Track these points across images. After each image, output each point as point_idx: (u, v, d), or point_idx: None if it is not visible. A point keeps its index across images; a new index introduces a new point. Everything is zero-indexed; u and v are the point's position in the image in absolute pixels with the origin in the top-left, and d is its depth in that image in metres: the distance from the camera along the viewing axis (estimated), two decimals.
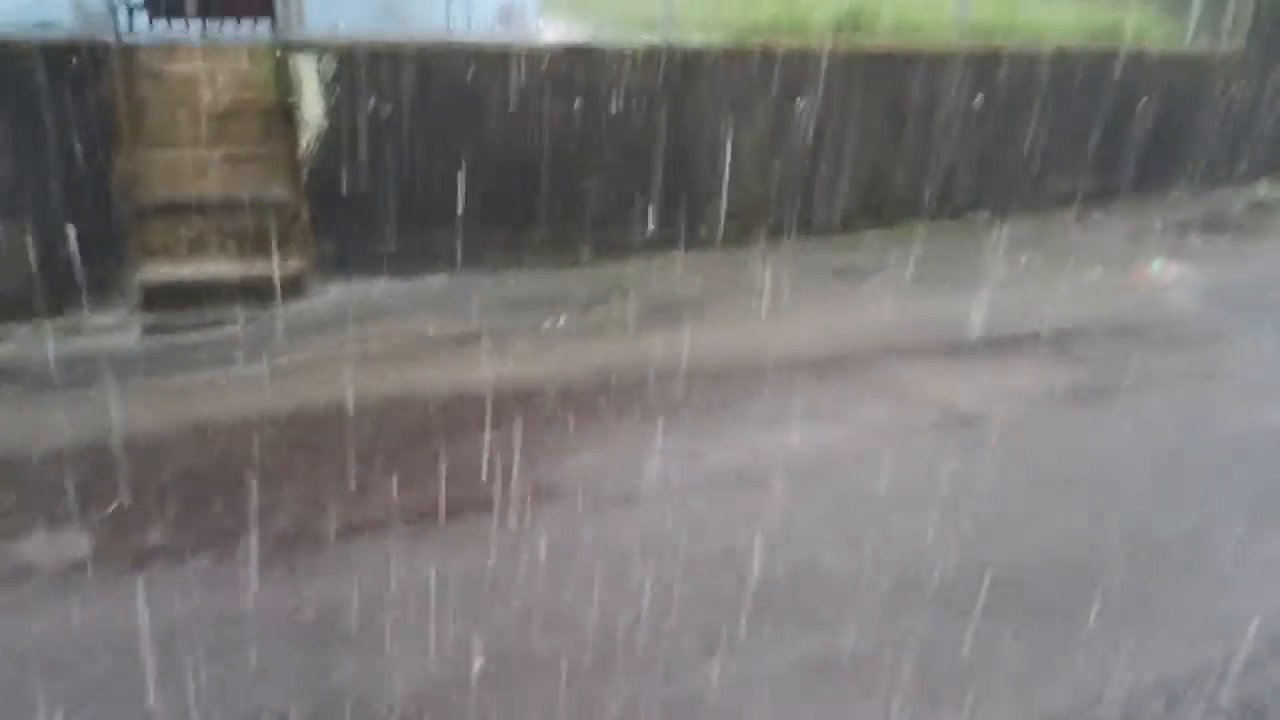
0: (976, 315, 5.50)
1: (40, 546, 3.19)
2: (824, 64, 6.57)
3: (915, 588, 2.97)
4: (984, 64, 7.17)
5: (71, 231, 5.24)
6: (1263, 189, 8.47)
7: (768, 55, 6.43)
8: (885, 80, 6.87)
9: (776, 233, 6.85)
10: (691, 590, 2.95)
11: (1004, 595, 2.94)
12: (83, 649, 2.66)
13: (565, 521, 3.37)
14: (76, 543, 3.21)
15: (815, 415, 4.23)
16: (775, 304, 5.70)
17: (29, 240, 5.15)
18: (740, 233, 6.73)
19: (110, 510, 3.36)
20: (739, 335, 5.22)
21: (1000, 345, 5.09)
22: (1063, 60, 7.40)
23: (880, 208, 7.18)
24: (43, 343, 4.96)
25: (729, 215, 6.68)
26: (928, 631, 2.77)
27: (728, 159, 6.57)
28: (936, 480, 3.58)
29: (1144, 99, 7.87)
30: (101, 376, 4.41)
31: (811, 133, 6.73)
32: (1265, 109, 8.54)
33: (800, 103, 6.60)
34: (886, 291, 5.95)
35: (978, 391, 4.49)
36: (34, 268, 5.17)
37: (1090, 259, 6.58)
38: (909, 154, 7.16)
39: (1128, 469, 3.80)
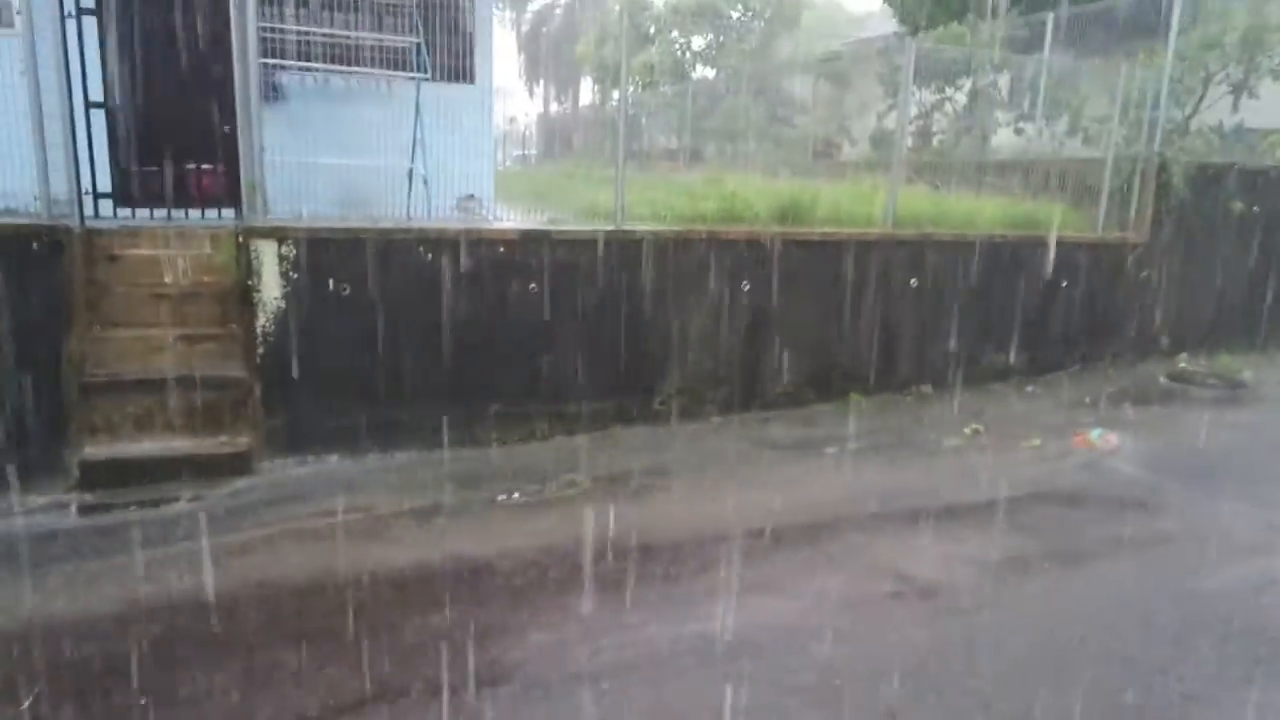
0: (926, 485, 5.59)
1: None
2: (767, 249, 6.97)
3: None
4: (916, 249, 7.67)
5: (15, 410, 5.15)
6: (1183, 361, 8.95)
7: (714, 240, 6.81)
8: (825, 264, 7.28)
9: (727, 406, 7.00)
10: None
11: None
12: None
13: (515, 704, 3.21)
14: None
15: (770, 588, 4.17)
16: (727, 476, 5.74)
17: None
18: (692, 406, 6.86)
19: (26, 705, 3.12)
20: (692, 507, 5.20)
21: (951, 514, 5.15)
22: (989, 246, 7.95)
23: (826, 381, 7.41)
24: None
25: (680, 390, 6.84)
26: None
27: (678, 336, 6.80)
28: (897, 652, 3.52)
29: (1065, 281, 8.43)
30: (30, 558, 4.20)
31: (758, 311, 7.04)
32: (1174, 290, 9.18)
33: (745, 284, 6.93)
34: (837, 462, 6.04)
35: (934, 561, 4.50)
36: None
37: (1029, 428, 6.80)
38: (851, 331, 7.49)
39: (1089, 635, 3.78)
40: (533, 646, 3.61)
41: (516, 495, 5.30)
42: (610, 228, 6.54)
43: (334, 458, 5.71)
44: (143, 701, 3.17)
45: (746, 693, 3.24)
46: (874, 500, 5.27)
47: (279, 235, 5.61)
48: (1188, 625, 3.88)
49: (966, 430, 6.76)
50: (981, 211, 8.37)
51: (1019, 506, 5.27)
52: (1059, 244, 8.25)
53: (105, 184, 6.65)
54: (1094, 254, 8.67)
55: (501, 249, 6.16)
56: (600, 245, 6.43)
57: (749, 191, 7.69)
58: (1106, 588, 4.27)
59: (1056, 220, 8.32)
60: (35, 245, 5.20)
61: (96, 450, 5.28)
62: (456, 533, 4.54)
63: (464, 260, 6.02)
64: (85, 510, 4.97)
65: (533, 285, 6.24)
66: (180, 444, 5.41)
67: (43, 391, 5.24)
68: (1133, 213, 8.94)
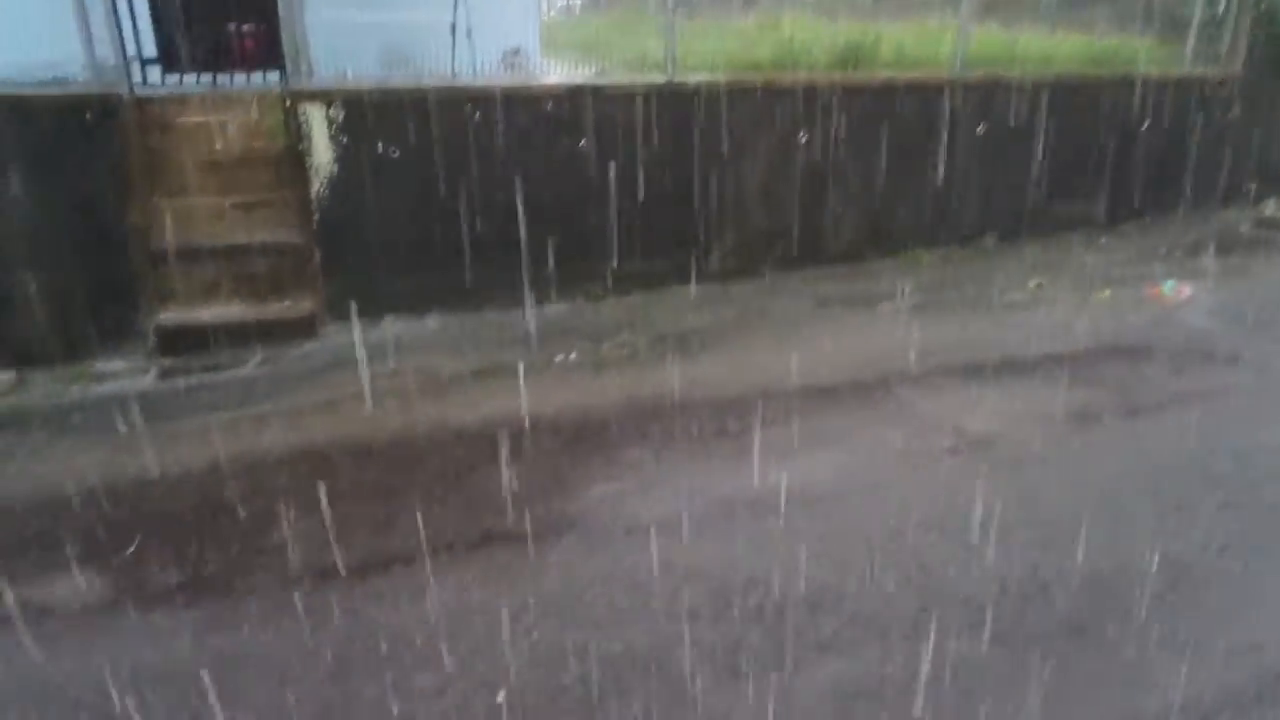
0: (988, 339, 5.50)
1: (61, 588, 3.19)
2: (826, 97, 6.65)
3: (939, 611, 2.93)
4: (986, 93, 7.24)
5: (87, 279, 5.32)
6: (1270, 208, 8.47)
7: (769, 90, 6.52)
8: (888, 111, 6.94)
9: (784, 263, 6.88)
10: (713, 617, 2.92)
11: (1029, 618, 2.90)
12: (98, 687, 2.64)
13: (584, 552, 3.35)
14: (96, 584, 3.21)
15: (828, 443, 4.21)
16: (783, 333, 5.71)
17: (47, 289, 5.22)
18: (748, 264, 6.77)
19: (130, 551, 3.37)
20: (749, 365, 5.22)
21: (1013, 369, 5.07)
22: (1064, 87, 7.47)
23: (886, 236, 7.21)
24: (62, 389, 5.01)
25: (736, 247, 6.73)
26: (954, 655, 2.73)
27: (733, 192, 6.63)
28: (954, 505, 3.55)
29: (1147, 122, 7.92)
30: (120, 420, 4.44)
31: (815, 164, 6.80)
32: (1266, 130, 8.57)
33: (803, 135, 6.67)
34: (896, 318, 5.96)
35: (992, 416, 4.47)
36: (52, 315, 5.24)
37: (1100, 281, 6.57)
38: (914, 183, 7.21)
39: (1149, 490, 3.76)
40: (592, 499, 3.74)
41: (573, 355, 5.37)
42: (661, 80, 6.29)
43: (392, 321, 5.82)
44: (233, 550, 3.39)
45: (796, 544, 3.33)
46: (932, 356, 5.21)
47: (325, 98, 5.54)
48: (1250, 479, 3.83)
49: (1032, 284, 6.57)
50: (1058, 50, 7.83)
51: (1084, 360, 5.16)
52: (1141, 82, 7.71)
53: (151, 49, 6.57)
54: (1179, 92, 8.08)
55: (549, 104, 5.99)
56: (651, 98, 6.21)
57: (807, 36, 7.28)
58: (1170, 441, 4.21)
59: (1139, 56, 7.75)
60: (88, 114, 5.22)
61: (169, 317, 5.46)
62: (515, 392, 4.64)
63: (512, 117, 5.89)
64: (164, 374, 5.20)
65: (582, 141, 6.09)
66: (245, 310, 5.56)
67: (113, 261, 5.38)
68: (1224, 46, 8.26)
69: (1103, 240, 7.84)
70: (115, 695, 2.61)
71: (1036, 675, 2.64)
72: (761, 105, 6.52)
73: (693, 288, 6.47)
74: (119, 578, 3.24)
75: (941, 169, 7.25)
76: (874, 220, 7.14)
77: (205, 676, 2.65)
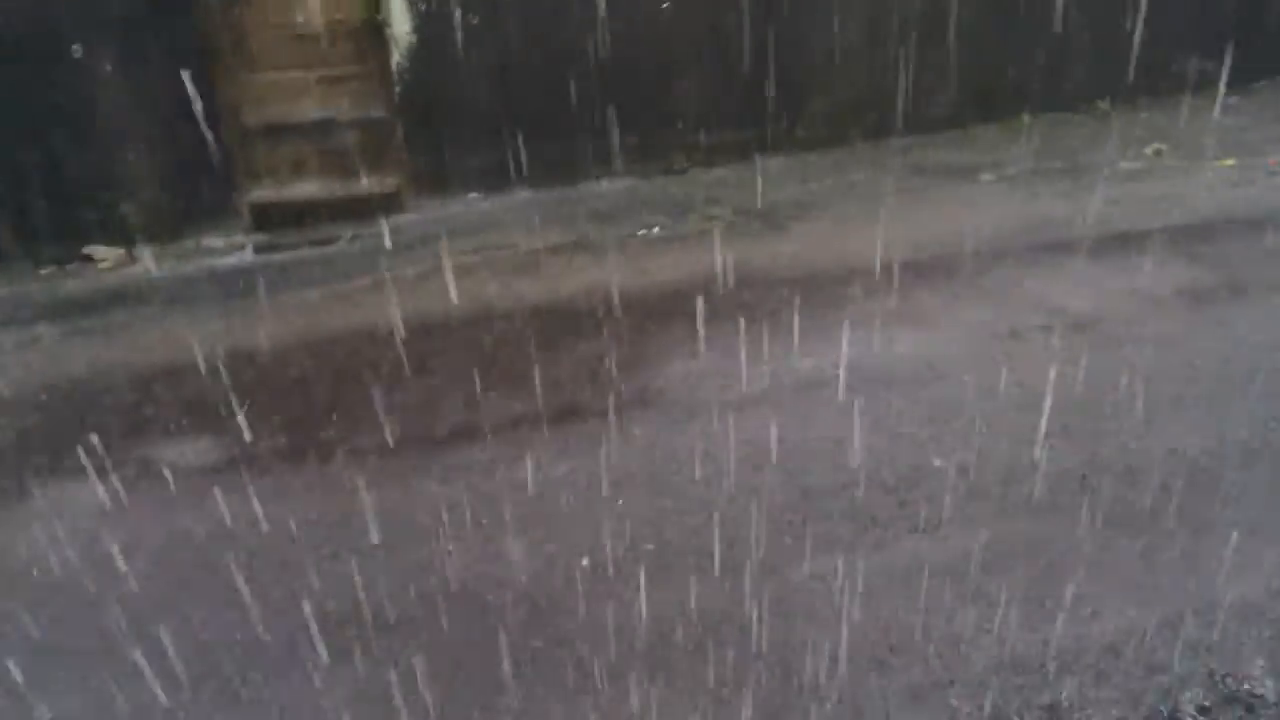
0: (1093, 212, 5.19)
1: (173, 451, 3.43)
2: None
3: (1026, 491, 2.90)
4: None
5: (185, 157, 5.46)
6: None
7: None
8: None
9: (876, 130, 6.56)
10: (795, 492, 2.96)
11: (1119, 499, 2.84)
12: (213, 541, 2.87)
13: (668, 426, 3.40)
14: (207, 447, 3.44)
15: (919, 321, 4.11)
16: (873, 206, 5.50)
17: (149, 168, 5.39)
18: (838, 132, 6.48)
19: (241, 417, 3.58)
20: (837, 240, 5.07)
21: (1118, 244, 4.80)
22: None
23: (989, 99, 6.77)
24: (168, 264, 5.24)
25: (825, 114, 6.43)
26: (1038, 535, 2.71)
27: (821, 54, 6.29)
28: (1045, 384, 3.44)
29: None
30: (223, 293, 4.64)
31: (909, 21, 6.35)
32: None
33: None
34: (997, 189, 5.66)
35: (1091, 293, 4.26)
36: (155, 194, 5.43)
37: (1223, 147, 6.08)
38: (1020, 40, 6.68)
39: (1254, 373, 3.57)
40: (675, 375, 3.77)
41: (656, 229, 5.31)
42: None
43: (476, 195, 5.84)
44: (333, 416, 3.57)
45: (882, 423, 3.30)
46: (1033, 230, 4.96)
47: None
48: None
49: (1148, 150, 6.12)
50: None
51: (1198, 234, 4.83)
52: None
53: None
54: None
55: None
56: None
57: None
58: (1276, 320, 3.96)
59: None
60: None
61: (263, 193, 5.59)
62: (598, 267, 4.65)
63: None
64: (261, 249, 5.38)
65: (665, 3, 5.82)
66: (334, 186, 5.65)
67: (207, 138, 5.49)
68: None
69: (1229, 100, 7.18)
70: (230, 548, 2.84)
71: (1129, 557, 2.61)
72: None
73: (780, 158, 6.26)
74: (231, 441, 3.46)
75: (1052, 24, 6.68)
76: (975, 82, 6.70)
77: (298, 537, 2.84)
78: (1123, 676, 2.21)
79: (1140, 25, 6.90)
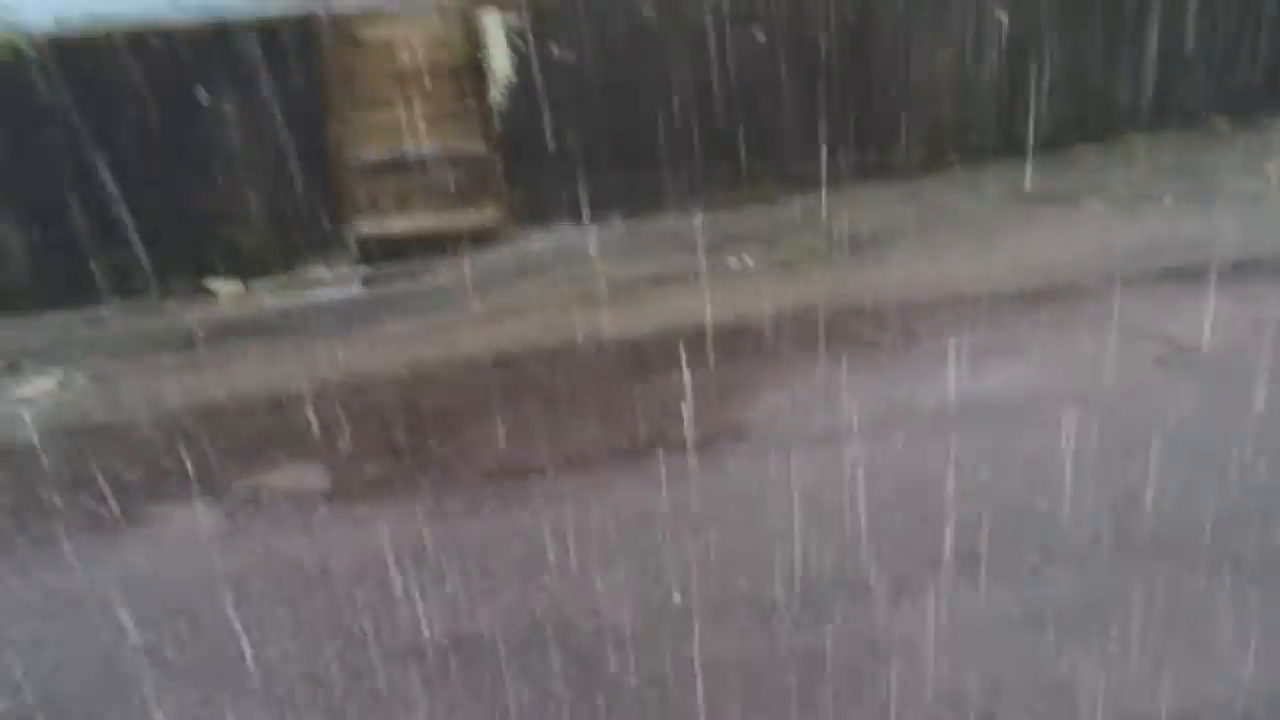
0: (1210, 237, 4.95)
1: (284, 477, 3.59)
2: None
3: (1137, 537, 2.77)
4: None
5: (297, 193, 5.75)
6: None
7: None
8: None
9: (975, 155, 6.42)
10: (891, 532, 2.90)
11: (1238, 546, 2.69)
12: (319, 566, 2.98)
13: (761, 460, 3.39)
14: (315, 474, 3.59)
15: (1020, 352, 3.99)
16: (972, 233, 5.38)
17: (265, 204, 5.70)
18: (935, 157, 6.37)
19: (346, 445, 3.73)
20: (935, 267, 4.97)
21: (1238, 271, 4.55)
22: None
23: (1093, 119, 6.54)
24: (281, 295, 5.52)
25: (922, 139, 6.33)
26: (1152, 583, 2.59)
27: (918, 79, 6.20)
28: (1158, 422, 3.29)
29: None
30: (333, 325, 4.86)
31: (1010, 41, 6.20)
32: None
33: (996, 7, 6.08)
34: (1102, 215, 5.46)
35: (1209, 323, 4.05)
36: (270, 229, 5.74)
37: None
38: (1125, 54, 6.44)
39: None
40: (768, 407, 3.75)
41: (748, 259, 5.31)
42: None
43: (570, 227, 5.95)
44: (431, 442, 3.68)
45: (982, 460, 3.21)
46: (1143, 257, 4.76)
47: (500, 4, 5.59)
48: None
49: (1270, 169, 5.80)
50: None
51: None
52: None
53: None
54: None
55: None
56: None
57: None
58: None
59: None
60: (288, 33, 5.54)
61: (367, 227, 5.84)
62: (691, 297, 4.67)
63: (683, 12, 5.72)
64: (368, 281, 5.61)
65: (758, 33, 5.85)
66: (436, 220, 5.86)
67: (318, 175, 5.78)
68: None
69: None
70: (332, 572, 2.95)
71: (1254, 610, 2.46)
72: None
73: (875, 185, 6.18)
74: (335, 469, 3.61)
75: (1159, 38, 6.42)
76: (1079, 101, 6.48)
77: (400, 564, 2.93)
78: None
79: (1260, 40, 6.57)
